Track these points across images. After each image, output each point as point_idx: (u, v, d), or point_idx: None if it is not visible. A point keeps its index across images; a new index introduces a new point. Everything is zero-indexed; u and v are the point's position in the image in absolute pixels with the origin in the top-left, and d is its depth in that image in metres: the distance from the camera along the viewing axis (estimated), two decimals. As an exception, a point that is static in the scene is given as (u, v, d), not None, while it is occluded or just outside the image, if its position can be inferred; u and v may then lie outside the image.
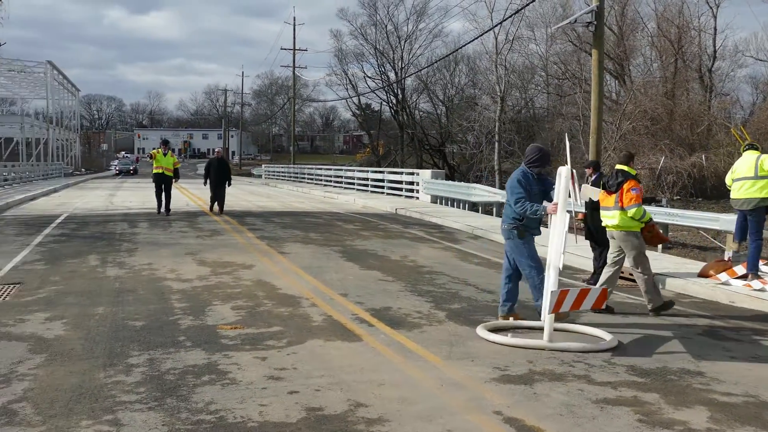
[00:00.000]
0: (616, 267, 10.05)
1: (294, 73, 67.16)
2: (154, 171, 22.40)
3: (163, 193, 22.40)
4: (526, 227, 8.84)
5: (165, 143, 22.83)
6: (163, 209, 22.39)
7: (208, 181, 23.14)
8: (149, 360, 7.04)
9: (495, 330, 8.41)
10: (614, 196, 9.84)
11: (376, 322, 8.71)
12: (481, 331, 8.23)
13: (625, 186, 9.75)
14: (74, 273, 12.06)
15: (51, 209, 24.39)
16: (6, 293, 10.33)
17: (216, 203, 23.39)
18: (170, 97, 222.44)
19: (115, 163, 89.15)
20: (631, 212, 9.68)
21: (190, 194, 33.94)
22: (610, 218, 9.94)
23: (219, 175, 22.94)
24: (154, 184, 22.61)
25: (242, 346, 7.55)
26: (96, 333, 8.08)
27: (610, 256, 10.10)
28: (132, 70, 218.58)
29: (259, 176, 66.88)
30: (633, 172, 9.89)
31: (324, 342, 7.77)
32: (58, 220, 20.58)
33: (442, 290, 10.94)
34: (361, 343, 7.75)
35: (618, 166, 10.01)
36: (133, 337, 7.91)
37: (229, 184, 23.35)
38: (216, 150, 24.80)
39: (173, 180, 22.49)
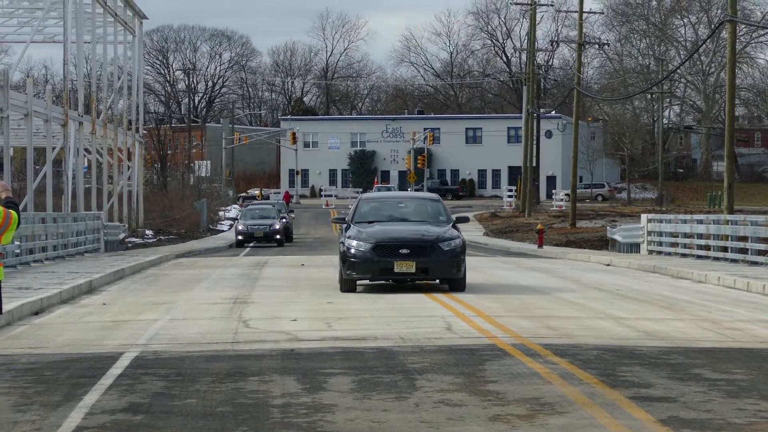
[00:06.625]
0: None
1: None
2: None
3: None
4: None
5: None
6: None
7: None
8: None
9: None
10: None
11: None
12: None
13: None
14: None
15: (92, 340, 11.78)
16: None
17: None
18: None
19: (235, 215, 53.74)
20: None
21: (458, 302, 15.32)
22: None
23: None
24: None
25: None
26: None
27: None
28: None
29: (635, 244, 32.13)
30: None
31: None
32: (117, 371, 9.42)
33: None
34: None
35: None
36: None
37: None
38: None
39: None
